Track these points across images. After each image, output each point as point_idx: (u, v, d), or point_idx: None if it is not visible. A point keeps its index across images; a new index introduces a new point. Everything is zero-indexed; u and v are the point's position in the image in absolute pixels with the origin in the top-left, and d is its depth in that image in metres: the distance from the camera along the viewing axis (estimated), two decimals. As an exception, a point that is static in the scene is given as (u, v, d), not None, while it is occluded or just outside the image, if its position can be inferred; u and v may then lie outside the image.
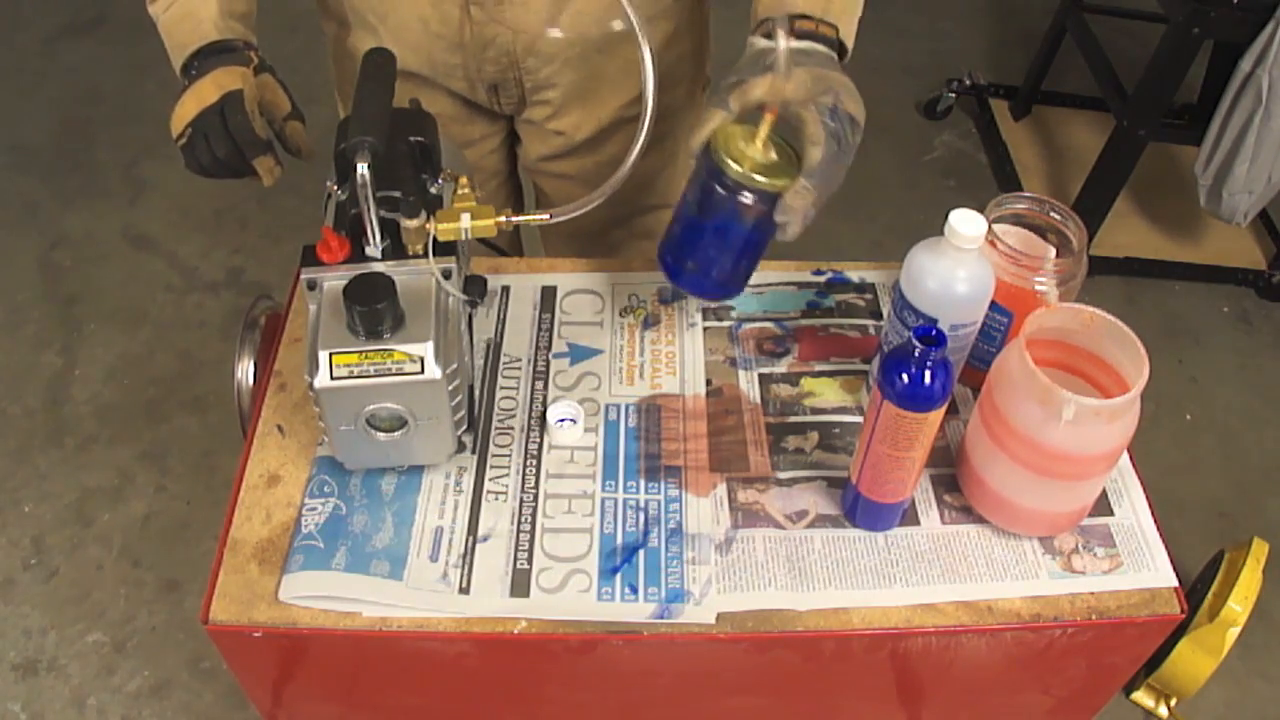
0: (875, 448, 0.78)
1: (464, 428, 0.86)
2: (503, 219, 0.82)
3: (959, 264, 0.81)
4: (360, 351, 0.77)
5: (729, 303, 1.04)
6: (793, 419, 0.94)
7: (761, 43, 0.84)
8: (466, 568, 0.82)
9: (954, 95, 2.82)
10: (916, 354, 0.72)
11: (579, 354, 0.99)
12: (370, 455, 0.84)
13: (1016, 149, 2.68)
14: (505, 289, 1.06)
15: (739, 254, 0.86)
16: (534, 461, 0.90)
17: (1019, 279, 0.86)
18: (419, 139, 0.89)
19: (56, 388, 2.14)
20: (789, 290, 1.06)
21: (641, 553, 0.84)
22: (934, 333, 0.72)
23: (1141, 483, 0.90)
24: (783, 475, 0.89)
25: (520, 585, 0.82)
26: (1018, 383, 0.77)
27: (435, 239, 0.81)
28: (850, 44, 0.87)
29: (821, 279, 1.08)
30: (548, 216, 0.85)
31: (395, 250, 0.81)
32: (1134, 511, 0.88)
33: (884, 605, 0.81)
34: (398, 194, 0.81)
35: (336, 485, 0.87)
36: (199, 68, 0.94)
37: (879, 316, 1.04)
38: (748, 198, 0.81)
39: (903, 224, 2.45)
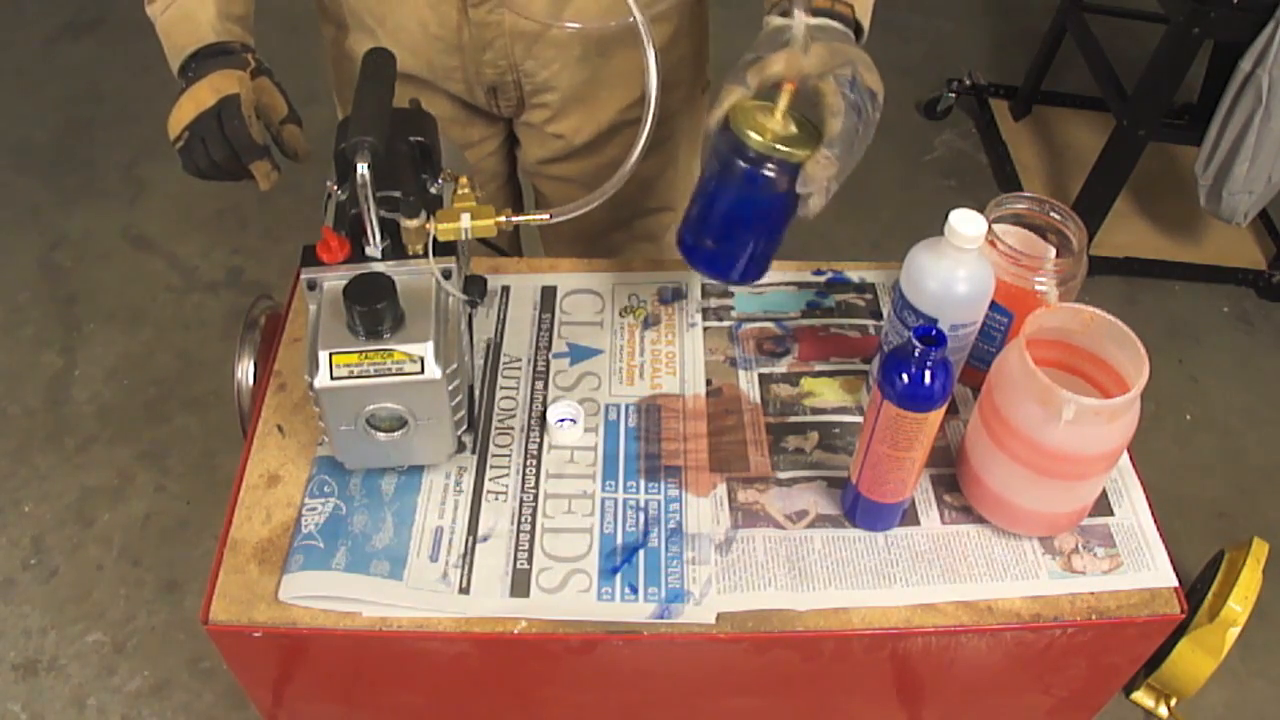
0: (875, 448, 0.78)
1: (464, 428, 0.86)
2: (503, 219, 0.82)
3: (959, 264, 0.81)
4: (360, 351, 0.77)
5: (729, 302, 1.04)
6: (793, 419, 0.94)
7: (778, 21, 0.84)
8: (466, 568, 0.82)
9: (954, 95, 2.82)
10: (916, 354, 0.72)
11: (579, 354, 0.99)
12: (370, 455, 0.84)
13: (1016, 149, 2.68)
14: (505, 289, 1.06)
15: (759, 232, 0.85)
16: (534, 461, 0.90)
17: (1019, 279, 0.86)
18: (419, 139, 0.89)
19: (56, 388, 2.14)
20: (789, 290, 1.06)
21: (641, 553, 0.84)
22: (934, 333, 0.72)
23: (1141, 483, 0.90)
24: (783, 475, 0.89)
25: (520, 585, 0.82)
26: (1018, 383, 0.77)
27: (435, 239, 0.81)
28: (866, 24, 0.87)
29: (821, 279, 1.08)
30: (548, 217, 0.85)
31: (395, 250, 0.81)
32: (1134, 511, 0.88)
33: (884, 605, 0.81)
34: (398, 194, 0.81)
35: (336, 485, 0.87)
36: (196, 70, 0.94)
37: (879, 316, 1.04)
38: (769, 169, 0.80)
39: (903, 224, 2.45)
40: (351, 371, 0.77)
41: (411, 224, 0.79)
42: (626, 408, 0.95)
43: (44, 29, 3.07)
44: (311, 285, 0.81)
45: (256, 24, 1.02)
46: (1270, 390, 2.26)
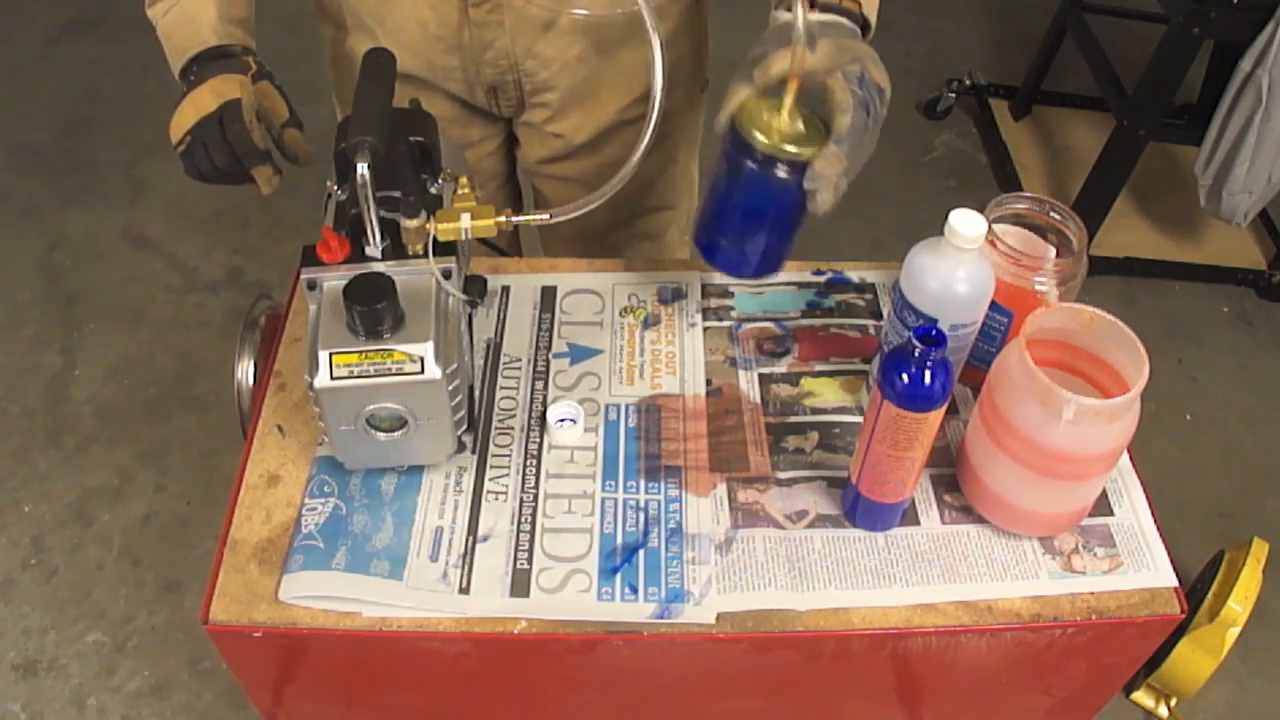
0: (875, 448, 0.78)
1: (464, 428, 0.86)
2: (503, 219, 0.82)
3: (959, 264, 0.81)
4: (360, 351, 0.77)
5: (729, 302, 1.04)
6: (793, 419, 0.94)
7: (783, 16, 0.84)
8: (466, 568, 0.82)
9: (954, 95, 2.82)
10: (916, 354, 0.72)
11: (579, 354, 0.99)
12: (370, 455, 0.84)
13: (1016, 149, 2.68)
14: (505, 289, 1.06)
15: (771, 229, 0.86)
16: (534, 461, 0.90)
17: (1019, 279, 0.86)
18: (419, 139, 0.89)
19: (56, 388, 2.14)
20: (789, 290, 1.06)
21: (641, 553, 0.84)
22: (934, 333, 0.72)
23: (1141, 483, 0.90)
24: (783, 475, 0.89)
25: (520, 585, 0.82)
26: (1018, 383, 0.77)
27: (435, 239, 0.81)
28: (874, 20, 0.87)
29: (821, 279, 1.08)
30: (548, 216, 0.85)
31: (395, 250, 0.81)
32: (1134, 511, 0.88)
33: (884, 605, 0.81)
34: (398, 194, 0.81)
35: (336, 485, 0.87)
36: (198, 74, 0.94)
37: (879, 316, 1.04)
38: (777, 168, 0.81)
39: (903, 224, 2.45)
40: (351, 371, 0.77)
41: (411, 224, 0.79)
42: (626, 408, 0.95)
43: (44, 29, 3.07)
44: (311, 285, 0.81)
45: (256, 24, 1.02)
46: (1270, 390, 2.26)
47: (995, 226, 0.90)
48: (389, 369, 0.77)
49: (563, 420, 0.91)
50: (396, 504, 0.86)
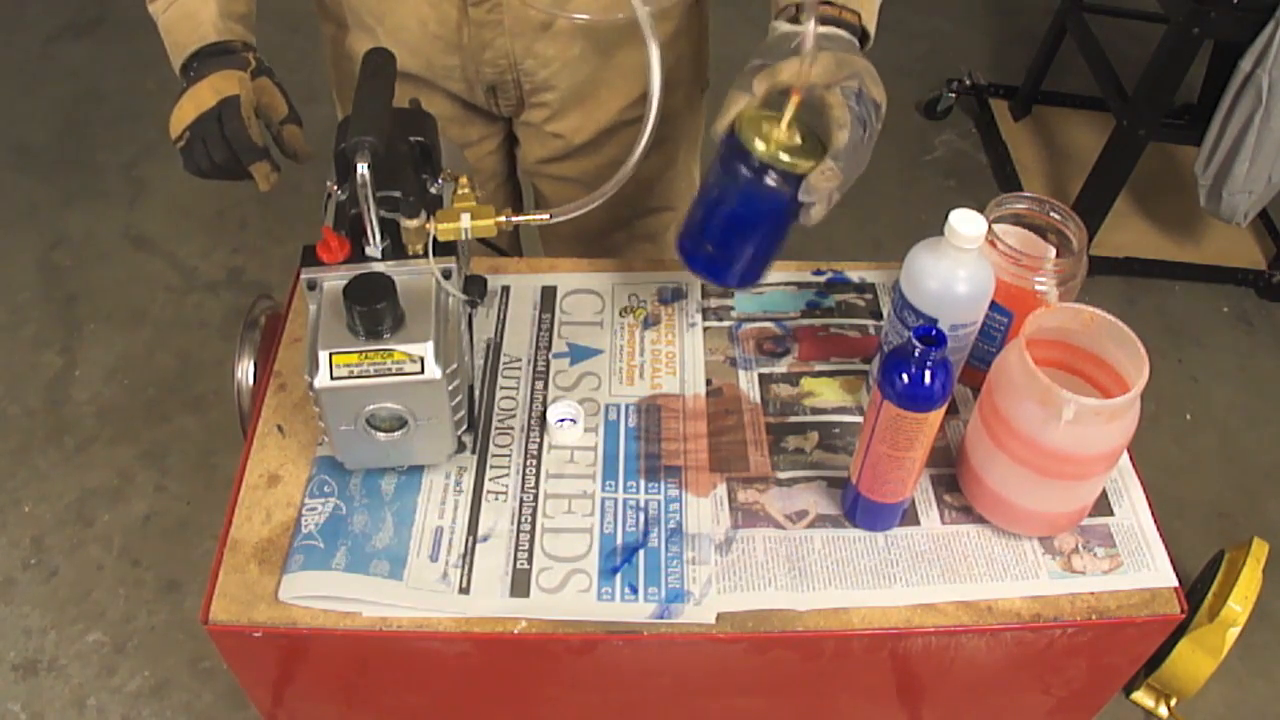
0: (875, 448, 0.78)
1: (464, 428, 0.86)
2: (503, 219, 0.82)
3: (959, 264, 0.81)
4: (360, 351, 0.77)
5: (729, 302, 1.04)
6: (793, 419, 0.94)
7: (784, 27, 0.84)
8: (466, 568, 0.82)
9: (954, 95, 2.82)
10: (916, 354, 0.72)
11: (579, 354, 0.99)
12: (370, 455, 0.84)
13: (1016, 149, 2.68)
14: (505, 289, 1.06)
15: (760, 238, 0.86)
16: (534, 461, 0.90)
17: (1019, 279, 0.86)
18: (419, 139, 0.89)
19: (56, 388, 2.14)
20: (789, 290, 1.06)
21: (641, 553, 0.84)
22: (934, 333, 0.72)
23: (1141, 483, 0.90)
24: (783, 475, 0.89)
25: (520, 585, 0.82)
26: (1018, 383, 0.77)
27: (435, 239, 0.81)
28: (872, 31, 0.87)
29: (821, 279, 1.08)
30: (548, 217, 0.85)
31: (395, 250, 0.81)
32: (1134, 511, 0.88)
33: (884, 605, 0.81)
34: (398, 194, 0.81)
35: (336, 485, 0.87)
36: (197, 70, 0.94)
37: (879, 316, 1.04)
38: (772, 179, 0.81)
39: (903, 224, 2.45)
40: (351, 371, 0.77)
41: (411, 224, 0.79)
42: (626, 408, 0.95)
43: (44, 29, 3.07)
44: (311, 285, 0.81)
45: (256, 23, 1.02)
46: (1270, 390, 2.26)
47: (995, 226, 0.90)
48: (389, 369, 0.77)
49: (563, 420, 0.91)
50: (396, 504, 0.86)
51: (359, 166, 0.75)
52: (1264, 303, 2.44)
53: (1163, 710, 1.71)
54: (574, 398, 0.95)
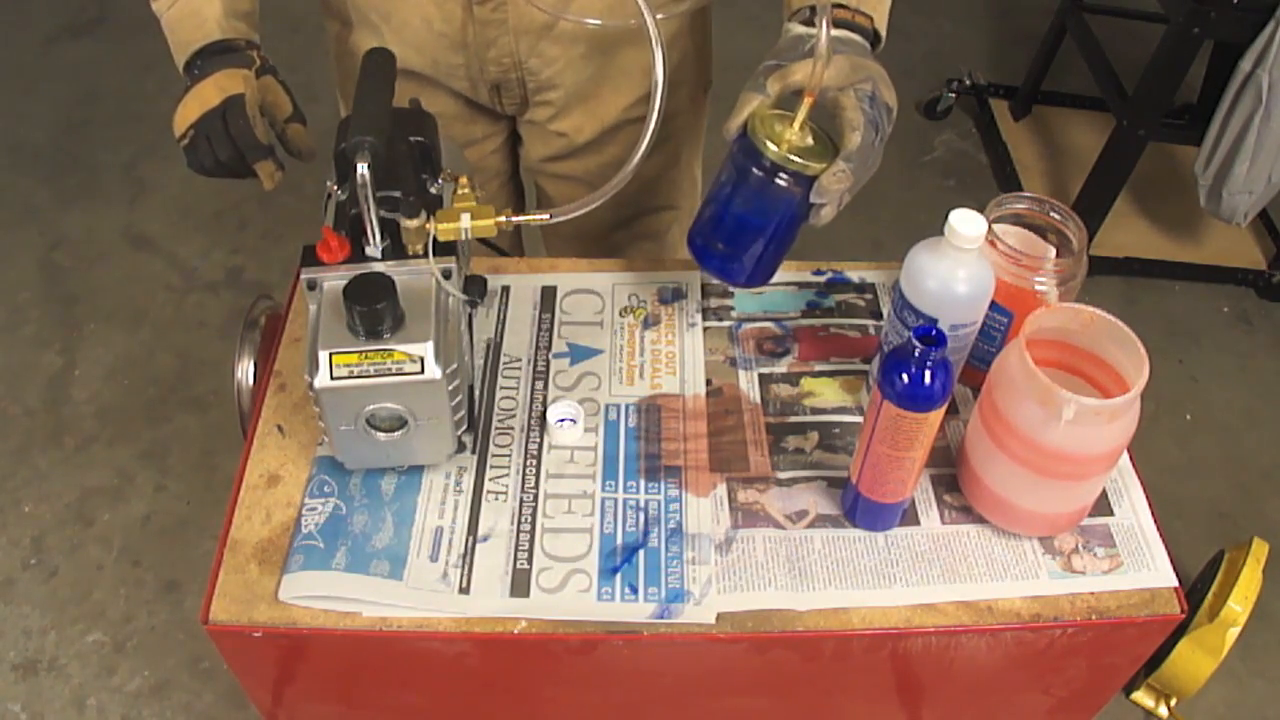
0: (875, 448, 0.78)
1: (464, 428, 0.86)
2: (503, 219, 0.82)
3: (959, 264, 0.81)
4: (360, 351, 0.77)
5: (729, 302, 1.04)
6: (793, 419, 0.94)
7: (798, 29, 0.85)
8: (466, 568, 0.82)
9: (954, 95, 2.82)
10: (916, 354, 0.72)
11: (579, 354, 0.99)
12: (370, 455, 0.84)
13: (1016, 149, 2.68)
14: (505, 289, 1.06)
15: (770, 238, 0.86)
16: (534, 461, 0.90)
17: (1019, 279, 0.86)
18: (419, 139, 0.89)
19: (56, 388, 2.14)
20: (789, 290, 1.06)
21: (641, 553, 0.84)
22: (934, 333, 0.72)
23: (1141, 483, 0.90)
24: (783, 475, 0.89)
25: (520, 585, 0.81)
26: (1018, 383, 0.77)
27: (435, 239, 0.81)
28: (884, 34, 0.88)
29: (821, 279, 1.08)
30: (548, 216, 0.85)
31: (395, 250, 0.81)
32: (1134, 511, 0.88)
33: (884, 605, 0.81)
34: (398, 194, 0.81)
35: (336, 485, 0.87)
36: (202, 68, 0.94)
37: (879, 316, 1.04)
38: (784, 179, 0.82)
39: (903, 224, 2.45)
40: (351, 371, 0.77)
41: (411, 224, 0.79)
42: (626, 408, 0.94)
43: (44, 29, 3.07)
44: (311, 285, 0.81)
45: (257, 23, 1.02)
46: (1270, 390, 2.26)
47: (995, 226, 0.90)
48: (389, 369, 0.77)
49: (563, 420, 0.91)
50: (396, 504, 0.86)
51: (359, 166, 0.75)
52: (1264, 303, 2.44)
53: (1163, 710, 1.71)
54: (574, 398, 0.95)
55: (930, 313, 0.82)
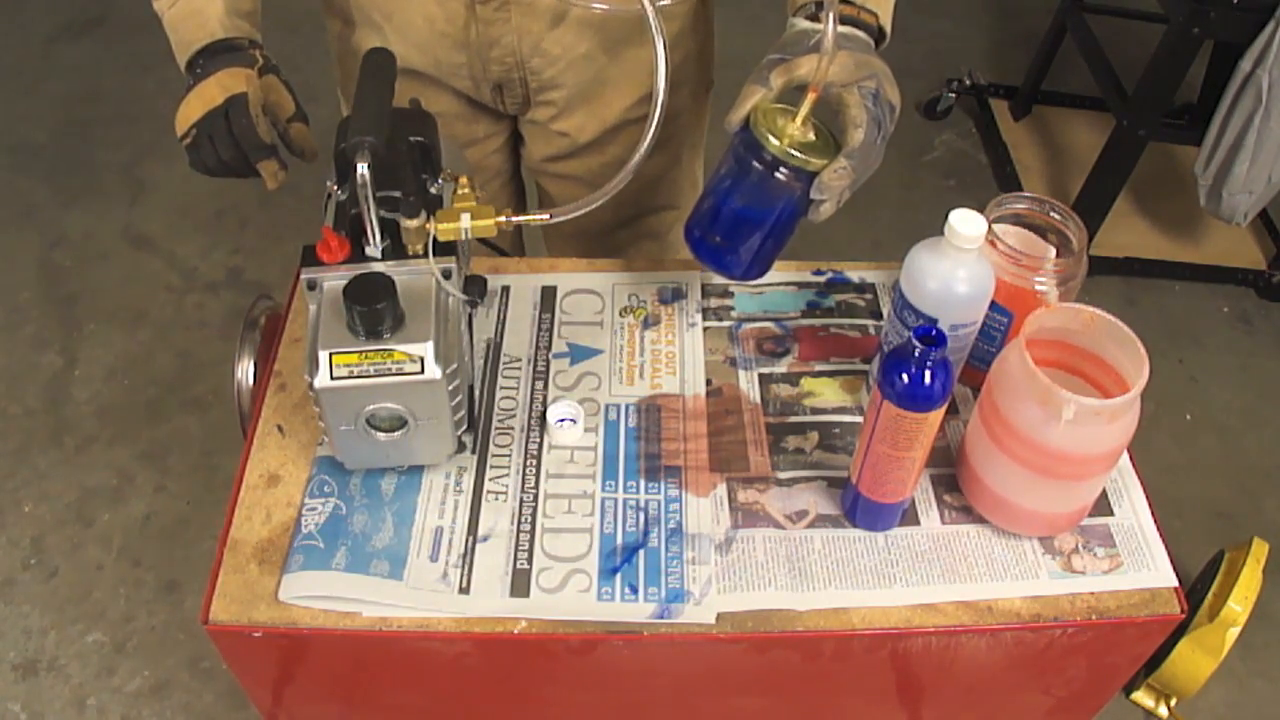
0: (875, 448, 0.78)
1: (464, 428, 0.86)
2: (502, 219, 0.82)
3: (959, 264, 0.81)
4: (360, 351, 0.77)
5: (729, 302, 1.04)
6: (793, 419, 0.94)
7: (803, 24, 0.85)
8: (466, 568, 0.82)
9: (954, 95, 2.82)
10: (916, 354, 0.72)
11: (579, 354, 0.99)
12: (370, 455, 0.84)
13: (1016, 149, 2.68)
14: (505, 289, 1.06)
15: (768, 231, 0.86)
16: (534, 461, 0.90)
17: (1019, 279, 0.86)
18: (419, 139, 0.89)
19: (56, 388, 2.14)
20: (789, 290, 1.06)
21: (641, 553, 0.84)
22: (934, 333, 0.72)
23: (1141, 483, 0.90)
24: (783, 475, 0.89)
25: (520, 585, 0.81)
26: (1018, 383, 0.77)
27: (435, 239, 0.81)
28: (889, 31, 0.88)
29: (821, 279, 1.08)
30: (548, 216, 0.85)
31: (395, 250, 0.81)
32: (1134, 511, 0.88)
33: (884, 605, 0.81)
34: (398, 194, 0.81)
35: (336, 485, 0.87)
36: (204, 67, 0.94)
37: (879, 316, 1.04)
38: (784, 174, 0.82)
39: (903, 224, 2.45)
40: (351, 371, 0.77)
41: (411, 224, 0.79)
42: (626, 408, 0.94)
43: (44, 29, 3.07)
44: (311, 285, 0.81)
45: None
46: (1270, 390, 2.26)
47: (995, 226, 0.90)
48: (389, 369, 0.77)
49: (563, 420, 0.91)
50: (396, 504, 0.86)
51: (359, 166, 0.75)
52: (1264, 303, 2.44)
53: (1163, 710, 1.71)
54: (574, 398, 0.95)
55: (930, 313, 0.82)
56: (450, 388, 0.80)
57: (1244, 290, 2.46)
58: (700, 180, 1.31)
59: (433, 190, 0.87)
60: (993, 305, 0.86)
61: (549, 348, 1.00)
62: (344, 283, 0.77)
